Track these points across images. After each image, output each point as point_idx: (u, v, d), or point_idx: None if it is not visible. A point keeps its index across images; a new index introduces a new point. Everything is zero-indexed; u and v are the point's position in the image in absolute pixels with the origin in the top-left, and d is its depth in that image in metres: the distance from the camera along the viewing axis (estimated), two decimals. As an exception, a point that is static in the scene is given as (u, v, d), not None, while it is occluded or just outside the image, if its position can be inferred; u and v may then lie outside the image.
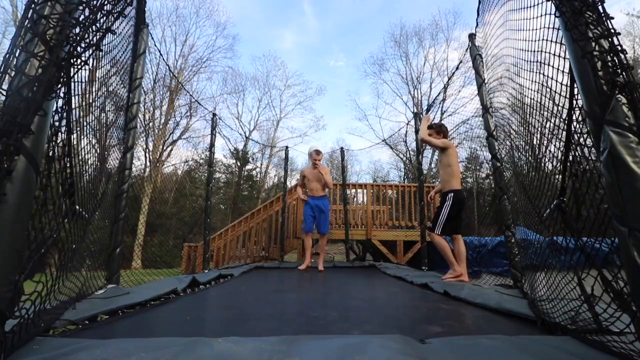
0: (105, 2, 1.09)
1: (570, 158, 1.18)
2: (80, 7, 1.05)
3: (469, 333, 1.40)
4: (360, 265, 5.13)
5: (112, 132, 2.21)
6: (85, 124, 1.50)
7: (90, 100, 1.56)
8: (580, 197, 1.09)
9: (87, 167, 1.58)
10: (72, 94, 1.19)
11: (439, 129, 3.37)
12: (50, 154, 1.08)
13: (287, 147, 7.33)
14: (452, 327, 1.46)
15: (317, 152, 4.27)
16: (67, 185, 1.25)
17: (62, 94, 1.07)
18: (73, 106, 1.22)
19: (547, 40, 1.24)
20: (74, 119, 1.26)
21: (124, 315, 1.66)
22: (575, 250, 1.13)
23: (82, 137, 1.48)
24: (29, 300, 0.99)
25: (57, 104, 1.07)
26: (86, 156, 1.56)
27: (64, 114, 1.13)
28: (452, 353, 0.96)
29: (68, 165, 1.23)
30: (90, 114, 1.60)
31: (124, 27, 2.11)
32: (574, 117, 1.14)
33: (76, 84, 1.20)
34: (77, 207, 1.38)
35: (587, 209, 1.05)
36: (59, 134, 1.11)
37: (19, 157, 0.88)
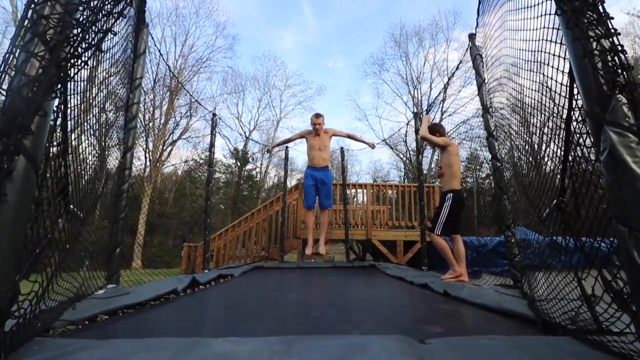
0: (106, 3, 1.09)
1: (571, 158, 1.18)
2: (81, 8, 1.05)
3: (469, 333, 1.40)
4: (360, 265, 5.13)
5: (110, 131, 2.21)
6: (82, 122, 1.50)
7: (87, 99, 1.56)
8: (580, 197, 1.09)
9: (83, 166, 1.58)
10: (68, 93, 1.19)
11: (435, 129, 3.36)
12: (46, 152, 1.07)
13: (287, 147, 7.32)
14: (452, 327, 1.46)
15: (317, 115, 3.44)
16: (62, 185, 1.24)
17: (58, 93, 1.07)
18: (69, 105, 1.21)
19: (546, 40, 1.24)
20: (70, 117, 1.25)
21: (124, 315, 1.65)
22: (575, 250, 1.13)
23: (79, 135, 1.48)
24: (26, 300, 0.99)
25: (53, 102, 1.07)
26: (83, 155, 1.56)
27: (60, 113, 1.13)
28: (452, 353, 0.96)
29: (63, 164, 1.23)
30: (88, 113, 1.60)
31: (125, 28, 2.11)
32: (573, 117, 1.14)
33: (72, 82, 1.20)
34: (72, 206, 1.38)
35: (587, 209, 1.05)
36: (54, 132, 1.11)
37: (19, 157, 0.88)
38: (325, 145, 3.44)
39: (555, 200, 1.31)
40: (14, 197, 0.86)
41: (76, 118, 1.35)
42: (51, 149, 1.11)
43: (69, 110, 1.21)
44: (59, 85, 1.01)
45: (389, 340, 0.99)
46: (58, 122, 1.13)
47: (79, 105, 1.35)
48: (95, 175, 1.86)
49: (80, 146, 1.52)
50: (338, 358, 0.87)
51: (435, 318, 1.69)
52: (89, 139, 1.67)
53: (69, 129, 1.24)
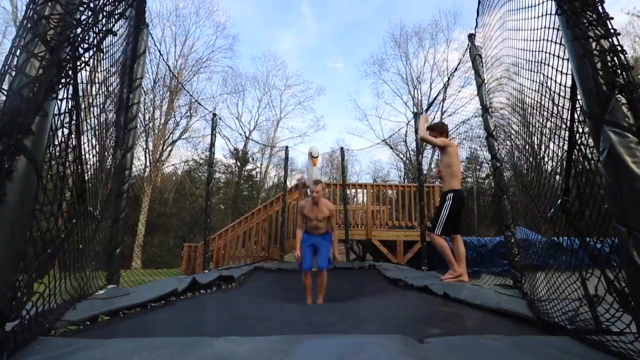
0: (106, 4, 1.09)
1: (574, 158, 1.17)
2: (81, 8, 1.05)
3: (469, 333, 1.40)
4: (360, 266, 5.13)
5: (114, 132, 2.21)
6: (94, 125, 1.49)
7: (99, 102, 1.56)
8: (584, 197, 1.09)
9: (97, 168, 1.58)
10: (80, 96, 1.18)
11: (438, 129, 3.37)
12: (60, 155, 1.07)
13: (287, 147, 7.34)
14: (452, 328, 1.46)
15: (316, 182, 3.30)
16: (79, 188, 1.25)
17: (69, 96, 1.07)
18: (82, 108, 1.22)
19: (547, 40, 1.24)
20: (84, 120, 1.25)
21: (124, 316, 1.66)
22: (579, 250, 1.12)
23: (92, 138, 1.47)
24: (34, 300, 0.99)
25: (65, 106, 1.07)
26: (96, 157, 1.55)
27: (74, 117, 1.13)
28: (452, 353, 0.96)
29: (79, 167, 1.23)
30: (99, 115, 1.60)
31: (125, 28, 2.11)
32: (575, 117, 1.14)
33: (83, 85, 1.20)
34: (90, 208, 1.38)
35: (590, 208, 1.04)
36: (71, 136, 1.11)
37: (20, 157, 0.88)
38: (325, 217, 3.32)
39: (560, 200, 1.30)
40: (14, 197, 0.86)
41: (87, 120, 1.35)
42: (67, 151, 1.11)
43: (81, 114, 1.21)
44: (67, 88, 1.01)
45: (388, 340, 0.99)
46: (72, 125, 1.13)
47: (90, 108, 1.35)
48: (106, 176, 1.87)
49: (93, 148, 1.51)
50: (338, 357, 0.87)
51: (435, 319, 1.69)
52: (100, 140, 1.67)
53: (82, 132, 1.24)
